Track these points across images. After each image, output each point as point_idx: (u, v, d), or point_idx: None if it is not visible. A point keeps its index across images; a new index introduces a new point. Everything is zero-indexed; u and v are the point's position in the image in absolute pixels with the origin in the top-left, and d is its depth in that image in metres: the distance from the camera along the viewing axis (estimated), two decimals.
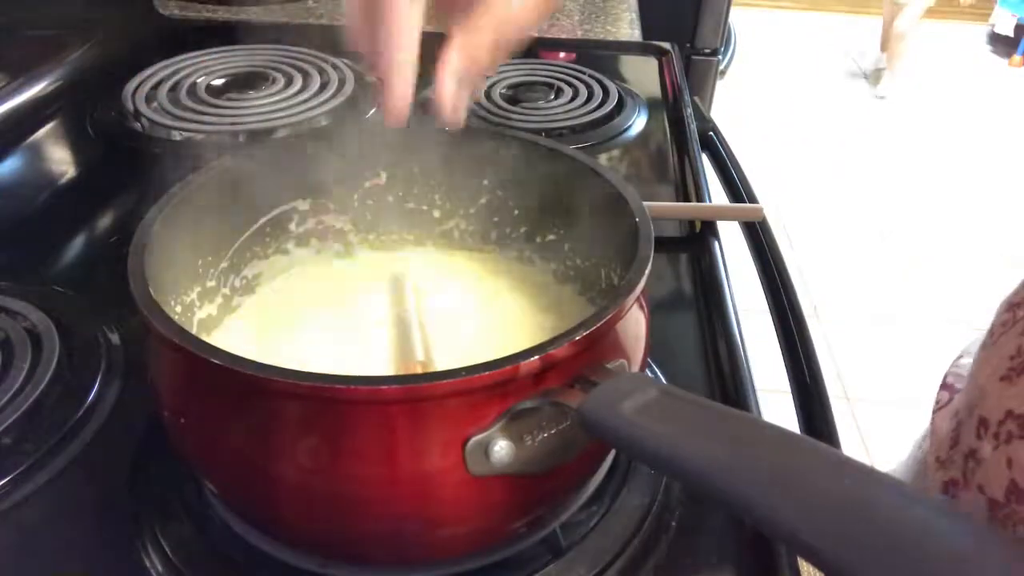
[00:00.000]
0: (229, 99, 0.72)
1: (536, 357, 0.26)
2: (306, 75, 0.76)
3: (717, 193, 0.66)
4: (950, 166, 2.86)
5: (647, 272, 0.31)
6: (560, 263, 0.43)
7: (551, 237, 0.43)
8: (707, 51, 1.17)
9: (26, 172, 0.67)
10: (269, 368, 0.26)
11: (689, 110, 0.76)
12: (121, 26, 0.90)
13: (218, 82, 0.75)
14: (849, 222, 2.49)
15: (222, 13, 0.98)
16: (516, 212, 0.43)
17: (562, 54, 0.89)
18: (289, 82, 0.75)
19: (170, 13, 0.97)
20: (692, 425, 0.23)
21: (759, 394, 0.44)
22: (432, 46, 0.30)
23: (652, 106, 0.77)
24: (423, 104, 0.31)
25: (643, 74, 0.86)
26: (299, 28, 0.93)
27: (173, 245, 0.34)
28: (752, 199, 0.64)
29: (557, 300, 0.42)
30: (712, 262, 0.54)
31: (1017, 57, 3.78)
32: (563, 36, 0.95)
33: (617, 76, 0.83)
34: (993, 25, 4.01)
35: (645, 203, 0.35)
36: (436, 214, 0.45)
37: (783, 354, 0.51)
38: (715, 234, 0.58)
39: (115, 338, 0.46)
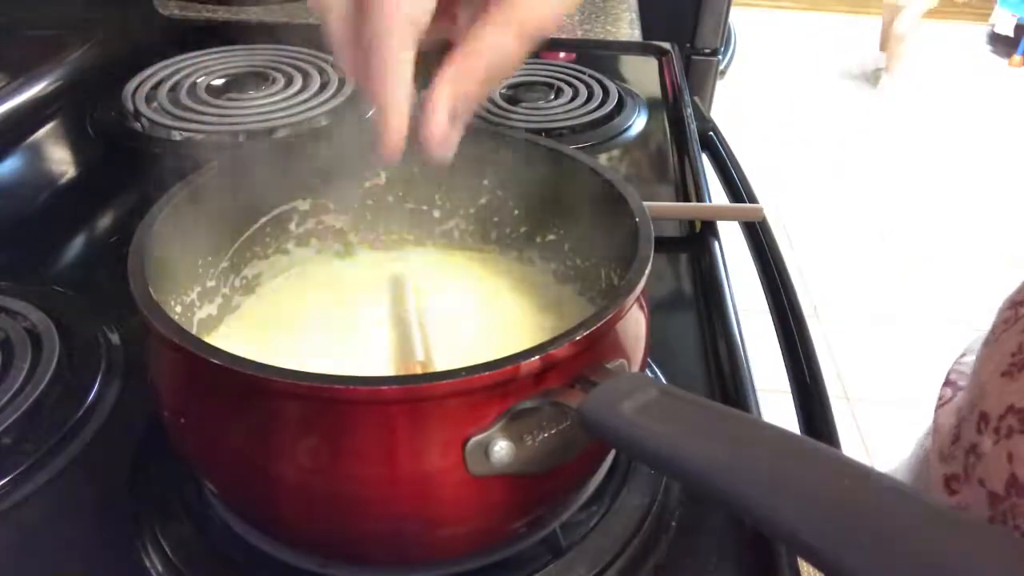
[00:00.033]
0: (229, 99, 0.72)
1: (536, 357, 0.26)
2: (306, 75, 0.76)
3: (717, 193, 0.66)
4: (950, 166, 2.86)
5: (647, 272, 0.31)
6: (560, 263, 0.43)
7: (551, 237, 0.43)
8: (707, 51, 1.17)
9: (26, 172, 0.67)
10: (269, 368, 0.26)
11: (689, 110, 0.76)
12: (121, 26, 0.90)
13: (218, 82, 0.75)
14: (849, 222, 2.49)
15: (222, 13, 0.98)
16: (516, 212, 0.43)
17: (562, 54, 0.89)
18: (289, 82, 0.75)
19: (170, 13, 0.97)
20: (692, 425, 0.23)
21: (759, 394, 0.44)
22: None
23: (652, 106, 0.77)
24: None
25: (643, 74, 0.86)
26: (299, 28, 0.93)
27: (173, 245, 0.34)
28: (752, 199, 0.64)
29: (557, 300, 0.42)
30: (712, 262, 0.54)
31: (1017, 57, 3.78)
32: (563, 36, 0.95)
33: (617, 76, 0.83)
34: (993, 25, 4.01)
35: (645, 203, 0.35)
36: (436, 214, 0.45)
37: (783, 354, 0.51)
38: (715, 234, 0.58)
39: (115, 338, 0.46)
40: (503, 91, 0.75)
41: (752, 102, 3.27)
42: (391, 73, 0.27)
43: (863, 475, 0.20)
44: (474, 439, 0.26)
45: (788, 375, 0.49)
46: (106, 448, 0.40)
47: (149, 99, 0.72)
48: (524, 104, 0.73)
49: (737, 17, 1.42)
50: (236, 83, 0.75)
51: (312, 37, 0.88)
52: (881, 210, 2.56)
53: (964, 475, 0.40)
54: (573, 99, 0.75)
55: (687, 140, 0.71)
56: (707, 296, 0.52)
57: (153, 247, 0.32)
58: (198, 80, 0.75)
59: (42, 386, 0.41)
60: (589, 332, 0.27)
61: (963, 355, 0.48)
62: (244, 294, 0.42)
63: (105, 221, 0.60)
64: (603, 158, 0.69)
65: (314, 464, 0.27)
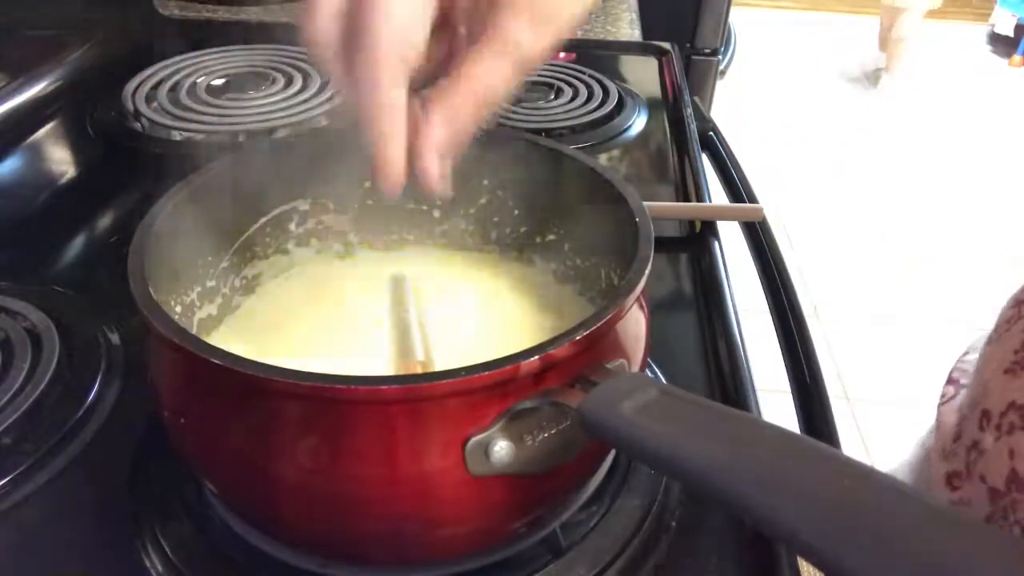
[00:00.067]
0: (229, 99, 0.72)
1: (536, 357, 0.26)
2: (306, 75, 0.76)
3: (717, 193, 0.66)
4: (950, 166, 2.86)
5: (647, 272, 0.31)
6: (560, 263, 0.43)
7: (551, 237, 0.43)
8: (707, 51, 1.17)
9: (26, 172, 0.67)
10: (269, 368, 0.26)
11: (689, 110, 0.76)
12: (121, 26, 0.90)
13: (218, 82, 0.75)
14: (849, 222, 2.49)
15: (222, 13, 0.98)
16: (516, 212, 0.43)
17: (562, 54, 0.89)
18: (289, 82, 0.75)
19: (170, 13, 0.97)
20: (692, 425, 0.23)
21: (759, 394, 0.44)
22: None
23: (652, 106, 0.77)
24: None
25: (643, 74, 0.86)
26: (299, 28, 0.93)
27: (173, 245, 0.34)
28: (752, 199, 0.64)
29: (557, 300, 0.42)
30: (712, 262, 0.54)
31: (1017, 57, 3.78)
32: None
33: (617, 76, 0.83)
34: (993, 25, 4.01)
35: (645, 203, 0.35)
36: (436, 214, 0.45)
37: (783, 354, 0.51)
38: (715, 234, 0.58)
39: (115, 338, 0.46)
40: None
41: (752, 102, 3.27)
42: (385, 112, 0.26)
43: (863, 475, 0.20)
44: (474, 439, 0.26)
45: (788, 375, 0.49)
46: (106, 448, 0.40)
47: (149, 99, 0.72)
48: (524, 104, 0.73)
49: (737, 17, 1.42)
50: (236, 83, 0.75)
51: None
52: (881, 210, 2.56)
53: (966, 472, 0.40)
54: (573, 99, 0.75)
55: (687, 140, 0.71)
56: (707, 296, 0.52)
57: (153, 247, 0.32)
58: (198, 80, 0.75)
59: (42, 386, 0.41)
60: (589, 332, 0.27)
61: (966, 353, 0.48)
62: (244, 294, 0.42)
63: (105, 221, 0.60)
64: (603, 158, 0.69)
65: (314, 464, 0.27)
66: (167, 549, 0.34)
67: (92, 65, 0.81)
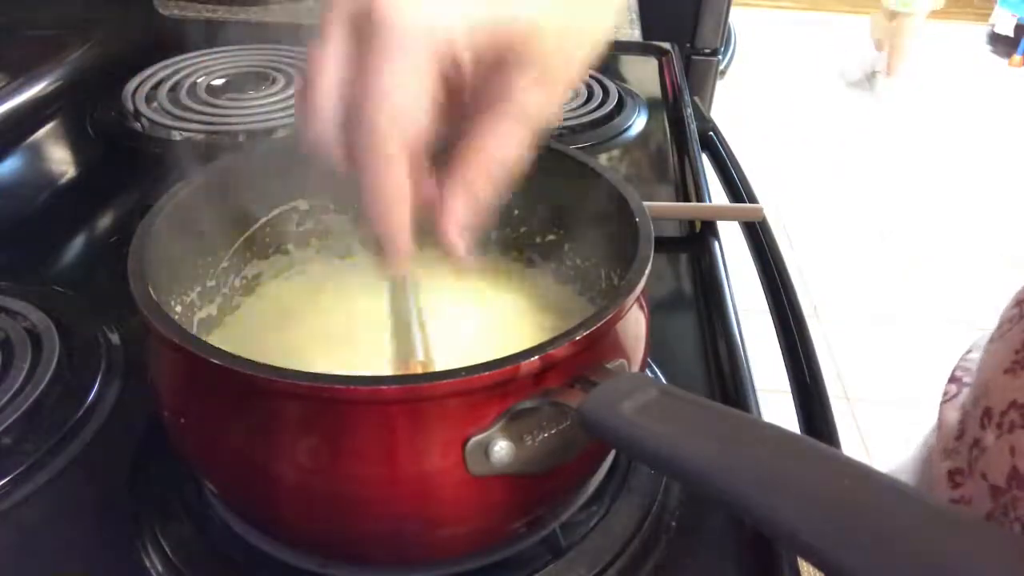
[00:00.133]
0: (229, 99, 0.72)
1: (536, 357, 0.26)
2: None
3: (717, 193, 0.66)
4: (950, 166, 2.86)
5: (647, 272, 0.31)
6: (560, 263, 0.43)
7: (551, 237, 0.43)
8: (707, 51, 1.17)
9: (26, 172, 0.67)
10: (269, 368, 0.26)
11: (689, 110, 0.76)
12: (121, 26, 0.90)
13: (218, 82, 0.75)
14: (849, 222, 2.49)
15: (222, 13, 0.98)
16: (516, 212, 0.43)
17: None
18: (289, 82, 0.75)
19: (170, 13, 0.97)
20: (692, 425, 0.23)
21: (759, 394, 0.44)
22: None
23: (652, 106, 0.77)
24: None
25: (643, 74, 0.86)
26: (299, 28, 0.93)
27: (173, 245, 0.34)
28: (752, 199, 0.64)
29: (557, 300, 0.42)
30: (712, 262, 0.54)
31: (1017, 57, 3.78)
32: None
33: (617, 76, 0.83)
34: (993, 25, 4.01)
35: (645, 203, 0.35)
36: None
37: (783, 354, 0.51)
38: (715, 234, 0.58)
39: (115, 338, 0.46)
40: None
41: (752, 102, 3.27)
42: (388, 195, 0.25)
43: (863, 475, 0.20)
44: (474, 439, 0.26)
45: (788, 375, 0.49)
46: (106, 448, 0.40)
47: (149, 99, 0.72)
48: None
49: (737, 17, 1.41)
50: (236, 83, 0.75)
51: (312, 37, 0.87)
52: (881, 210, 2.56)
53: (967, 469, 0.40)
54: (573, 99, 0.75)
55: (687, 140, 0.71)
56: (707, 296, 0.52)
57: (153, 247, 0.32)
58: (198, 80, 0.75)
59: (42, 386, 0.41)
60: (589, 332, 0.27)
61: (969, 351, 0.48)
62: (244, 294, 0.42)
63: (105, 221, 0.60)
64: (603, 158, 0.69)
65: (314, 464, 0.27)
66: (167, 549, 0.34)
67: (92, 65, 0.81)
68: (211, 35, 0.87)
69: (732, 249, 0.57)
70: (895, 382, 1.80)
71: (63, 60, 0.79)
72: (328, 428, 0.27)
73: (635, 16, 1.02)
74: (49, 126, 0.72)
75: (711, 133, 0.76)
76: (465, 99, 0.26)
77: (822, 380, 0.47)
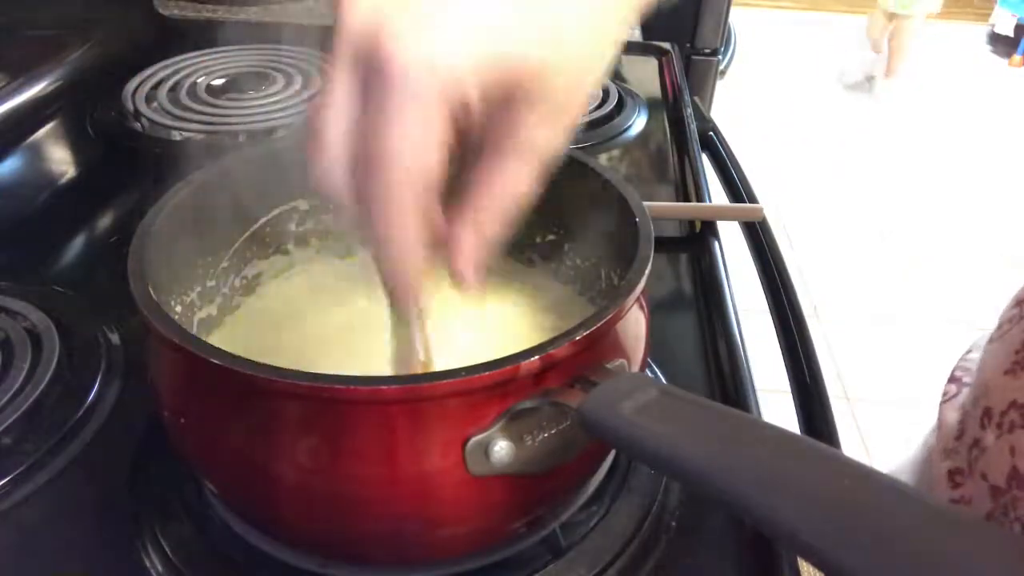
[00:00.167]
0: (229, 99, 0.72)
1: (536, 357, 0.26)
2: (306, 75, 0.76)
3: (717, 193, 0.66)
4: (950, 166, 2.86)
5: (647, 272, 0.31)
6: (560, 263, 0.43)
7: (551, 237, 0.43)
8: (707, 51, 1.17)
9: (26, 172, 0.67)
10: (269, 368, 0.26)
11: (689, 110, 0.76)
12: (121, 26, 0.90)
13: (218, 82, 0.75)
14: (849, 222, 2.49)
15: (222, 13, 0.98)
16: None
17: None
18: (289, 82, 0.75)
19: (170, 13, 0.97)
20: (692, 425, 0.23)
21: (759, 394, 0.44)
22: None
23: (652, 106, 0.77)
24: None
25: (643, 74, 0.86)
26: (299, 28, 0.93)
27: (173, 245, 0.34)
28: (752, 199, 0.64)
29: (557, 300, 0.42)
30: (712, 262, 0.54)
31: (1017, 57, 3.78)
32: None
33: (617, 76, 0.83)
34: (993, 25, 4.01)
35: (645, 203, 0.35)
36: None
37: (783, 354, 0.51)
38: (715, 234, 0.58)
39: (115, 338, 0.46)
40: None
41: (752, 102, 3.27)
42: (401, 242, 0.25)
43: (863, 475, 0.20)
44: (474, 439, 0.26)
45: (788, 375, 0.49)
46: (106, 448, 0.40)
47: (149, 99, 0.72)
48: None
49: (737, 17, 1.41)
50: (236, 83, 0.75)
51: (312, 37, 0.88)
52: (881, 210, 2.56)
53: (968, 469, 0.40)
54: None
55: (687, 140, 0.71)
56: (707, 296, 0.52)
57: (153, 247, 0.32)
58: (198, 80, 0.75)
59: (42, 386, 0.41)
60: (589, 332, 0.27)
61: (969, 351, 0.48)
62: (244, 294, 0.42)
63: (105, 221, 0.60)
64: (603, 158, 0.69)
65: (314, 464, 0.27)
66: (167, 549, 0.34)
67: (92, 65, 0.81)
68: (211, 35, 0.87)
69: (732, 249, 0.57)
70: (895, 382, 1.80)
71: (63, 60, 0.79)
72: (328, 428, 0.27)
73: None
74: (49, 126, 0.72)
75: (711, 133, 0.76)
76: (472, 135, 0.25)
77: (822, 380, 0.47)
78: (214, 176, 0.37)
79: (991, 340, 0.42)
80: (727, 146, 0.74)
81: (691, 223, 0.60)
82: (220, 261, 0.39)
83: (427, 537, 0.29)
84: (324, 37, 0.87)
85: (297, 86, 0.74)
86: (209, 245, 0.38)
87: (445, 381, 0.25)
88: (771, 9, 4.30)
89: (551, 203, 0.42)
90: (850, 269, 2.25)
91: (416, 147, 0.23)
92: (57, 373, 0.42)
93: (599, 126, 0.72)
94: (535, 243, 0.44)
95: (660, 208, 0.59)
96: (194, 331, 0.37)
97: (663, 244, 0.57)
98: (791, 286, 0.55)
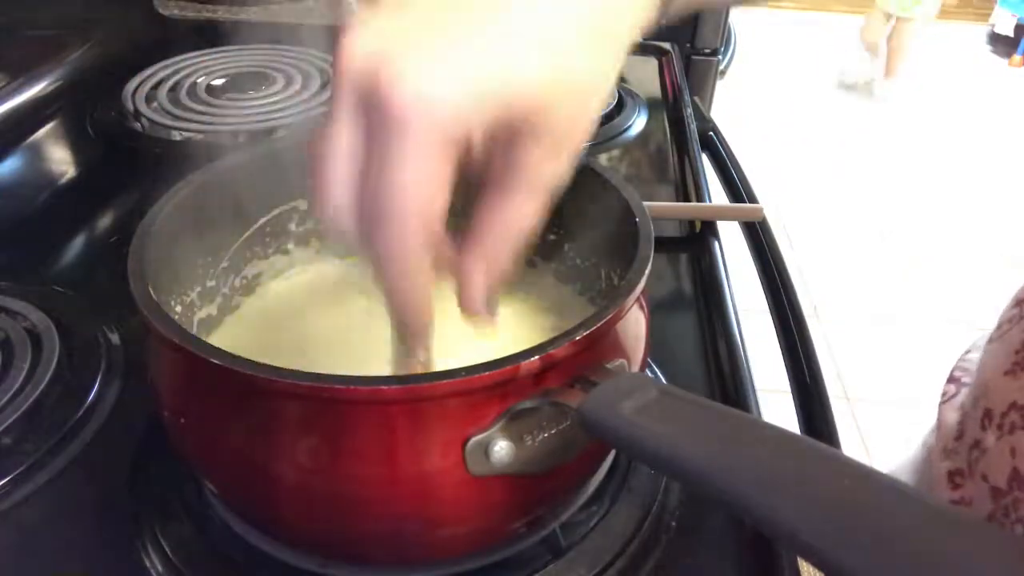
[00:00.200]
0: (229, 99, 0.72)
1: (536, 357, 0.26)
2: (306, 75, 0.76)
3: (717, 193, 0.66)
4: (950, 166, 2.86)
5: (647, 272, 0.31)
6: (560, 263, 0.43)
7: (551, 237, 0.43)
8: (707, 51, 1.17)
9: (26, 172, 0.67)
10: (269, 368, 0.26)
11: (689, 110, 0.76)
12: (121, 26, 0.90)
13: (218, 82, 0.75)
14: (849, 222, 2.49)
15: (222, 13, 0.98)
16: None
17: None
18: (289, 82, 0.75)
19: (170, 13, 0.97)
20: (692, 425, 0.23)
21: (759, 394, 0.44)
22: None
23: (652, 106, 0.77)
24: None
25: (643, 74, 0.86)
26: (299, 28, 0.93)
27: (173, 245, 0.34)
28: (752, 199, 0.64)
29: (557, 300, 0.42)
30: (712, 262, 0.54)
31: (1017, 57, 3.78)
32: None
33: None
34: (993, 25, 4.01)
35: (645, 203, 0.35)
36: None
37: (783, 354, 0.51)
38: (715, 234, 0.58)
39: (115, 338, 0.46)
40: None
41: (752, 102, 3.27)
42: (409, 283, 0.25)
43: (863, 475, 0.20)
44: (474, 439, 0.26)
45: (788, 375, 0.49)
46: (106, 448, 0.40)
47: (149, 99, 0.72)
48: None
49: (737, 17, 1.41)
50: (236, 83, 0.75)
51: (312, 37, 0.87)
52: (881, 210, 2.56)
53: (968, 470, 0.40)
54: None
55: (687, 140, 0.71)
56: (707, 296, 0.52)
57: (153, 247, 0.32)
58: (198, 80, 0.75)
59: (42, 386, 0.41)
60: (589, 332, 0.27)
61: (968, 351, 0.48)
62: (244, 294, 0.42)
63: (105, 221, 0.60)
64: (603, 158, 0.69)
65: (314, 464, 0.27)
66: (167, 549, 0.34)
67: (92, 65, 0.81)
68: (211, 35, 0.87)
69: (732, 249, 0.57)
70: (895, 382, 1.80)
71: (63, 60, 0.79)
72: (328, 428, 0.27)
73: None
74: (49, 126, 0.72)
75: (711, 133, 0.76)
76: (475, 167, 0.25)
77: (822, 380, 0.47)
78: (214, 176, 0.37)
79: (991, 340, 0.42)
80: (727, 146, 0.74)
81: (691, 223, 0.60)
82: (220, 261, 0.39)
83: (427, 537, 0.29)
84: (324, 37, 0.87)
85: (297, 86, 0.74)
86: (209, 245, 0.38)
87: (445, 381, 0.25)
88: (771, 9, 4.29)
89: (551, 203, 0.42)
90: (850, 269, 2.25)
91: (420, 192, 0.23)
92: (57, 373, 0.42)
93: (599, 126, 0.72)
94: (535, 243, 0.43)
95: (660, 208, 0.59)
96: (194, 331, 0.37)
97: (663, 244, 0.57)
98: (791, 286, 0.55)
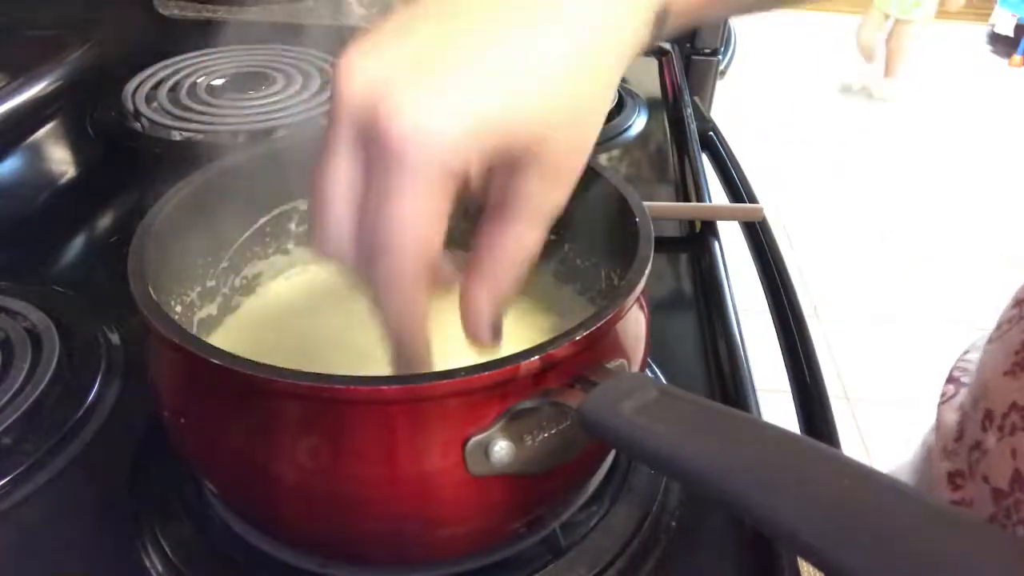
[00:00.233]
0: (229, 99, 0.72)
1: (536, 357, 0.26)
2: (306, 75, 0.76)
3: (717, 193, 0.66)
4: (950, 166, 2.86)
5: (647, 272, 0.31)
6: (560, 263, 0.43)
7: (551, 237, 0.42)
8: (707, 51, 1.17)
9: (26, 172, 0.67)
10: (269, 368, 0.26)
11: (689, 110, 0.76)
12: (121, 26, 0.90)
13: (218, 82, 0.75)
14: (849, 222, 2.49)
15: (222, 13, 0.98)
16: None
17: None
18: (289, 82, 0.75)
19: (170, 13, 0.97)
20: (692, 425, 0.23)
21: (759, 394, 0.44)
22: None
23: (652, 106, 0.77)
24: None
25: (643, 74, 0.86)
26: (299, 28, 0.93)
27: (173, 245, 0.34)
28: (752, 199, 0.64)
29: (557, 300, 0.42)
30: (712, 262, 0.54)
31: (1017, 57, 3.78)
32: None
33: None
34: (993, 25, 4.01)
35: (645, 203, 0.35)
36: None
37: (783, 354, 0.51)
38: (715, 234, 0.58)
39: (115, 338, 0.46)
40: None
41: (752, 102, 3.27)
42: (408, 316, 0.25)
43: (863, 475, 0.20)
44: (474, 439, 0.26)
45: (788, 375, 0.49)
46: (106, 448, 0.40)
47: (149, 99, 0.72)
48: None
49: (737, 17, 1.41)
50: (236, 83, 0.75)
51: (312, 37, 0.87)
52: (881, 210, 2.56)
53: (968, 471, 0.40)
54: None
55: (687, 140, 0.71)
56: (707, 296, 0.52)
57: (153, 247, 0.32)
58: (198, 80, 0.75)
59: (42, 386, 0.41)
60: (589, 332, 0.27)
61: (967, 351, 0.48)
62: (244, 294, 0.42)
63: (105, 221, 0.60)
64: (603, 158, 0.69)
65: (314, 464, 0.27)
66: (167, 549, 0.34)
67: (92, 65, 0.81)
68: (211, 35, 0.87)
69: (732, 249, 0.57)
70: (895, 382, 1.80)
71: (63, 60, 0.79)
72: (328, 428, 0.27)
73: None
74: (49, 126, 0.72)
75: (711, 133, 0.76)
76: (474, 196, 0.25)
77: (822, 380, 0.47)
78: (214, 176, 0.37)
79: (990, 340, 0.42)
80: (727, 146, 0.74)
81: (691, 223, 0.60)
82: (220, 261, 0.39)
83: (427, 537, 0.29)
84: (324, 37, 0.87)
85: (297, 86, 0.74)
86: (209, 245, 0.38)
87: (445, 381, 0.25)
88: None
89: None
90: (850, 269, 2.25)
91: (419, 225, 0.23)
92: (57, 373, 0.42)
93: None
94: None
95: (660, 208, 0.59)
96: (194, 331, 0.37)
97: (663, 244, 0.57)
98: (791, 286, 0.55)
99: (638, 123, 0.74)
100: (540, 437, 0.27)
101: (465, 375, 0.25)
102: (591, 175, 0.38)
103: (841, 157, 2.92)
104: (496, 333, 0.27)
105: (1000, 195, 2.65)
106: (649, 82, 0.84)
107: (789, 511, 0.19)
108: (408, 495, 0.27)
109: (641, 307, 0.33)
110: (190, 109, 0.70)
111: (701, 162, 0.69)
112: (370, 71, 0.23)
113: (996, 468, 0.37)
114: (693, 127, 0.73)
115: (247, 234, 0.41)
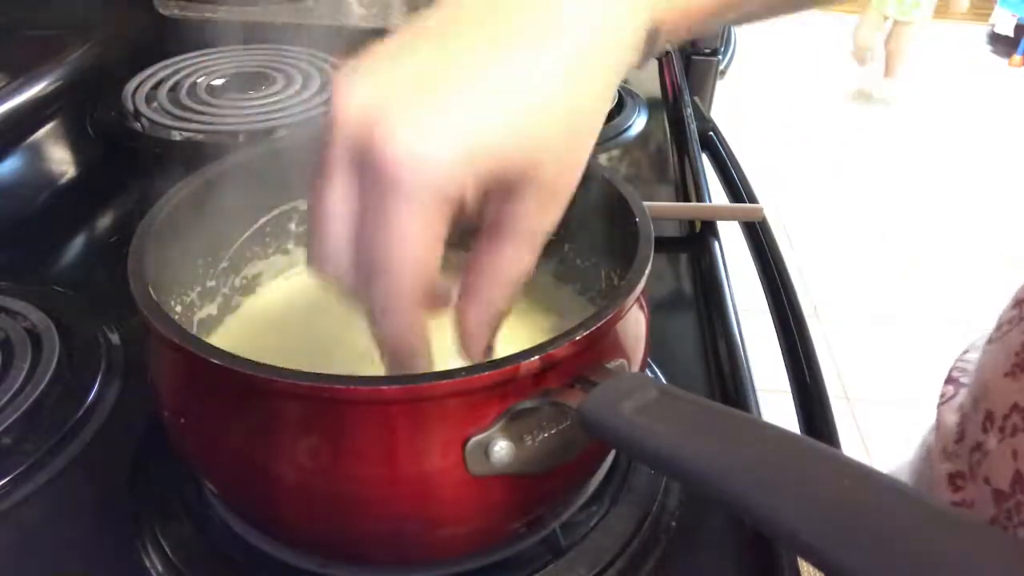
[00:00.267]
0: (229, 99, 0.72)
1: (536, 357, 0.26)
2: (306, 75, 0.76)
3: (717, 193, 0.66)
4: (950, 166, 2.86)
5: (647, 272, 0.31)
6: (560, 263, 0.43)
7: (551, 237, 0.43)
8: (707, 51, 1.17)
9: (26, 172, 0.67)
10: (269, 368, 0.26)
11: (689, 110, 0.76)
12: (121, 26, 0.90)
13: (218, 82, 0.75)
14: (849, 222, 2.49)
15: (222, 13, 0.98)
16: None
17: None
18: (289, 82, 0.75)
19: (170, 13, 0.97)
20: (692, 425, 0.23)
21: (759, 394, 0.44)
22: None
23: (652, 106, 0.77)
24: None
25: (643, 74, 0.86)
26: (299, 28, 0.93)
27: (173, 245, 0.34)
28: (752, 199, 0.64)
29: (557, 300, 0.42)
30: (712, 262, 0.54)
31: (1017, 57, 3.78)
32: None
33: None
34: (993, 25, 4.01)
35: (645, 203, 0.35)
36: None
37: (783, 354, 0.51)
38: (715, 234, 0.58)
39: (115, 338, 0.46)
40: None
41: (752, 102, 3.27)
42: (408, 346, 0.25)
43: (863, 475, 0.20)
44: (474, 439, 0.26)
45: (788, 375, 0.49)
46: (106, 448, 0.40)
47: (149, 99, 0.72)
48: None
49: None
50: (236, 83, 0.75)
51: (312, 37, 0.87)
52: (881, 210, 2.56)
53: (969, 473, 0.40)
54: None
55: (687, 140, 0.71)
56: (707, 296, 0.52)
57: (153, 247, 0.32)
58: (198, 80, 0.75)
59: (42, 386, 0.41)
60: (589, 332, 0.27)
61: (966, 352, 0.48)
62: (244, 294, 0.42)
63: (105, 221, 0.60)
64: (603, 158, 0.69)
65: (314, 464, 0.27)
66: (167, 549, 0.34)
67: (92, 65, 0.81)
68: (211, 35, 0.87)
69: (732, 249, 0.57)
70: (895, 382, 1.80)
71: (63, 60, 0.79)
72: (328, 428, 0.27)
73: None
74: (49, 126, 0.72)
75: (711, 133, 0.76)
76: (468, 217, 0.25)
77: (822, 380, 0.47)
78: (214, 176, 0.37)
79: (990, 341, 0.42)
80: (727, 146, 0.74)
81: (691, 223, 0.60)
82: (220, 261, 0.39)
83: (427, 537, 0.29)
84: (324, 37, 0.87)
85: (297, 86, 0.74)
86: (209, 245, 0.38)
87: (445, 381, 0.25)
88: None
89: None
90: (850, 269, 2.25)
91: (415, 249, 0.23)
92: (57, 373, 0.42)
93: None
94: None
95: (660, 208, 0.59)
96: (194, 331, 0.37)
97: (663, 244, 0.57)
98: (791, 286, 0.55)
99: (638, 123, 0.74)
100: (540, 437, 0.27)
101: (465, 375, 0.25)
102: (591, 175, 0.38)
103: (841, 157, 2.92)
104: (491, 351, 0.28)
105: (1000, 195, 2.65)
106: (649, 82, 0.84)
107: (789, 511, 0.19)
108: (408, 495, 0.27)
109: (641, 307, 0.33)
110: (190, 109, 0.70)
111: (701, 162, 0.69)
112: (366, 94, 0.23)
113: (997, 469, 0.37)
114: (693, 127, 0.73)
115: (247, 234, 0.41)
